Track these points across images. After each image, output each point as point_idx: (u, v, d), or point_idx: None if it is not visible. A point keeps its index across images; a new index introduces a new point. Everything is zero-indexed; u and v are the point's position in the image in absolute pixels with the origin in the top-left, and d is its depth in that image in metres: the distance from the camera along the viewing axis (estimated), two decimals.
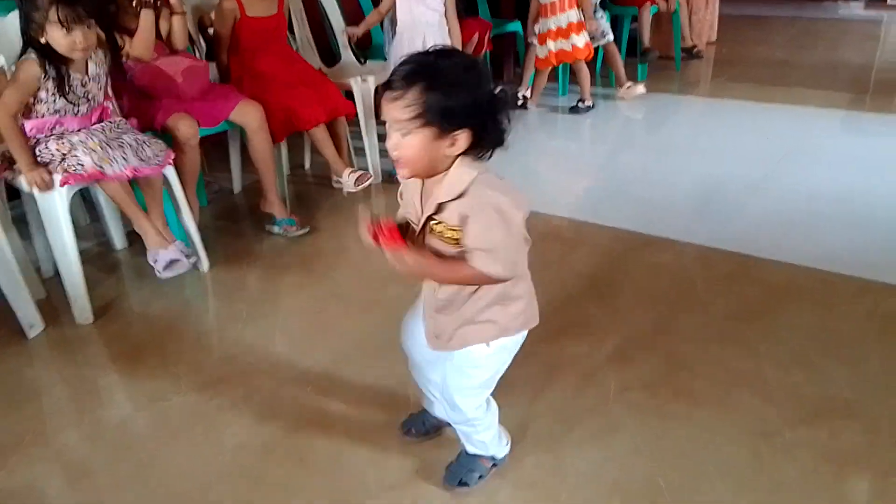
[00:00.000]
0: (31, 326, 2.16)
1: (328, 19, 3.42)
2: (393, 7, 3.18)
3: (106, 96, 2.30)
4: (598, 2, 4.51)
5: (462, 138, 1.19)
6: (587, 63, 4.21)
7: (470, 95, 1.18)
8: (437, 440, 1.69)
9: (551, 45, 4.07)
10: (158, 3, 2.50)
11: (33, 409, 1.90)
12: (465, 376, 1.42)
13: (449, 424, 1.68)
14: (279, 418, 1.81)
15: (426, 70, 1.17)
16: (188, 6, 2.91)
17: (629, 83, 4.50)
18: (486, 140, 1.22)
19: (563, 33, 4.03)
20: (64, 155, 2.13)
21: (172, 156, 2.36)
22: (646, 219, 2.85)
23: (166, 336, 2.20)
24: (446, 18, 3.19)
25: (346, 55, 3.49)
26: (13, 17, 2.24)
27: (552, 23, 4.02)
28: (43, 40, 2.08)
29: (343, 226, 2.93)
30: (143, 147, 2.25)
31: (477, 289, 1.32)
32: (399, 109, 1.17)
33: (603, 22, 4.43)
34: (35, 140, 2.17)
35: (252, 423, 1.80)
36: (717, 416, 1.76)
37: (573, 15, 4.01)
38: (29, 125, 2.16)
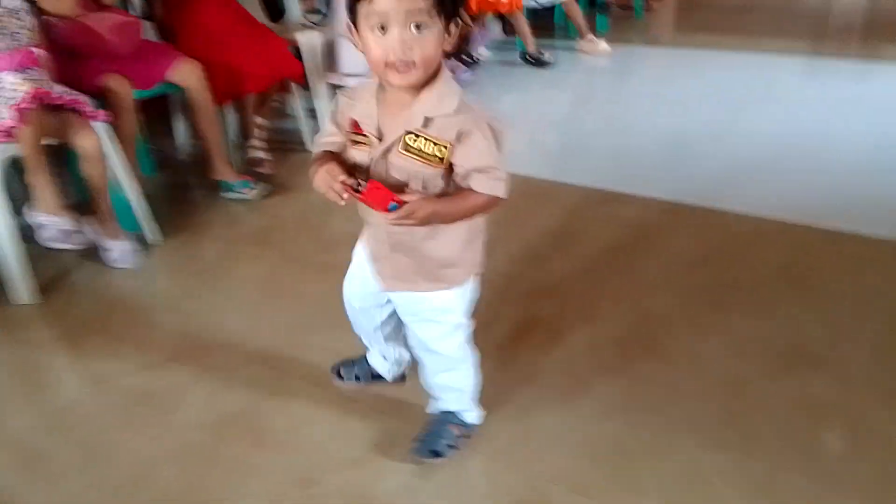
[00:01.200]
0: None
1: None
2: None
3: (33, 43, 2.11)
4: None
5: (454, 32, 1.10)
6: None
7: None
8: (401, 412, 1.62)
9: None
10: None
11: None
12: (438, 324, 1.36)
13: (382, 378, 1.63)
14: (234, 395, 1.72)
15: None
16: None
17: (591, 36, 4.39)
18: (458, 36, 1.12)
19: None
20: None
21: (104, 114, 2.19)
22: (609, 174, 2.78)
23: (113, 314, 2.07)
24: None
25: (292, 9, 3.31)
26: None
27: None
28: None
29: (296, 190, 2.80)
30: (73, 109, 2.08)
31: (442, 228, 1.22)
32: None
33: None
34: None
35: (205, 401, 1.71)
36: (687, 372, 1.72)
37: None
38: None
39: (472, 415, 1.53)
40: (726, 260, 2.18)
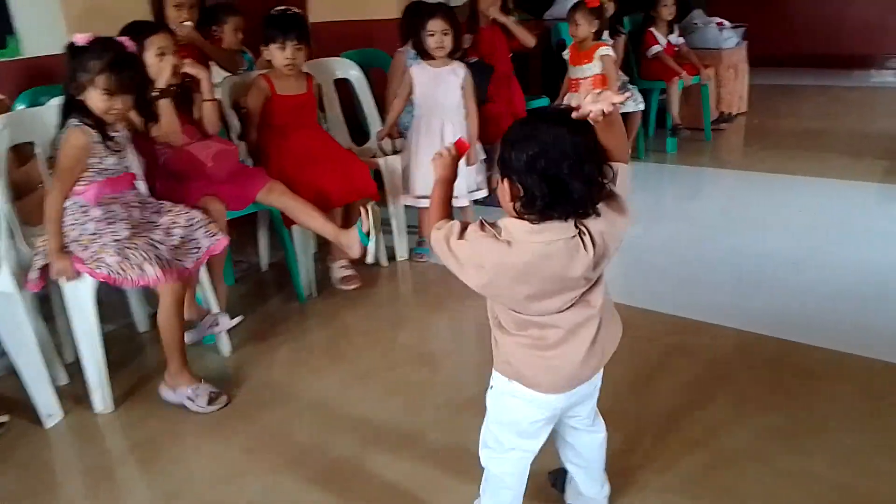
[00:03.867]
0: (49, 416, 2.13)
1: (359, 98, 3.47)
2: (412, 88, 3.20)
3: (134, 167, 2.32)
4: (627, 79, 4.54)
5: (505, 186, 1.30)
6: None
7: (516, 149, 1.28)
8: None
9: None
10: (177, 90, 2.51)
11: (48, 501, 1.85)
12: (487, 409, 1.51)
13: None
14: None
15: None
16: (225, 87, 2.98)
17: None
18: (532, 199, 1.27)
19: None
20: (94, 251, 2.12)
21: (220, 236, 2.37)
22: (679, 300, 2.76)
23: (186, 425, 2.14)
24: (464, 100, 3.18)
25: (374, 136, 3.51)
26: (48, 106, 2.30)
27: (574, 100, 4.05)
28: (80, 97, 2.11)
29: (367, 304, 2.89)
30: (190, 237, 2.26)
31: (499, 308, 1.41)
32: None
33: (635, 90, 4.47)
34: (76, 220, 2.16)
35: None
36: None
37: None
38: (82, 198, 2.16)
39: None
40: (804, 398, 2.10)
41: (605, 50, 3.96)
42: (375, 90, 3.52)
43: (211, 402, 2.21)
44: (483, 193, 3.38)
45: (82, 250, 2.12)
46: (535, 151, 1.27)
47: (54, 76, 2.90)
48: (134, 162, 2.31)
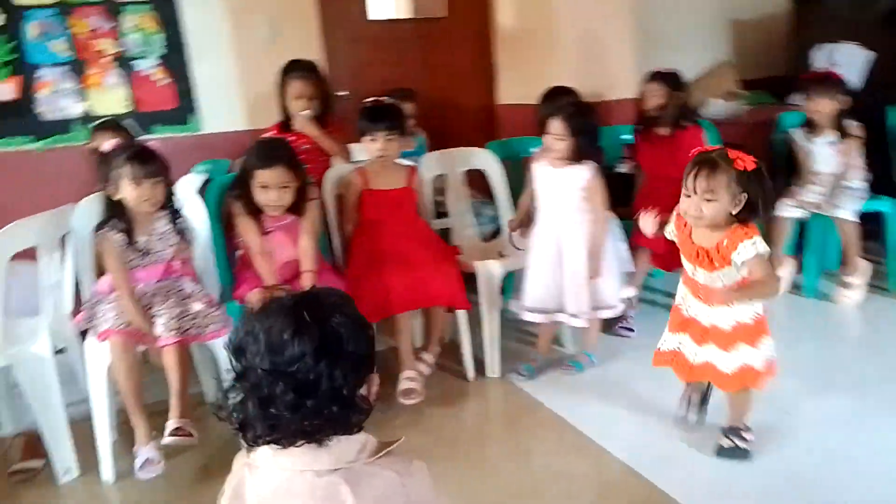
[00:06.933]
0: (65, 473, 2.30)
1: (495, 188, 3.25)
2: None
3: (176, 257, 2.47)
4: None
5: None
6: None
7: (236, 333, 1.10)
8: None
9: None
10: None
11: None
12: None
13: None
14: None
15: None
16: (328, 182, 2.96)
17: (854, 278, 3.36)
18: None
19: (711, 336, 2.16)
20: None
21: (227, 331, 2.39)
22: None
23: None
24: (589, 204, 2.78)
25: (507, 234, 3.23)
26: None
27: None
28: (117, 197, 2.34)
29: (433, 425, 2.60)
30: (200, 317, 2.34)
31: None
32: None
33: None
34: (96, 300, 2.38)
35: None
36: None
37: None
38: (104, 282, 2.39)
39: None
40: None
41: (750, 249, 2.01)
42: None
43: (142, 468, 2.24)
44: (609, 313, 2.89)
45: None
46: (237, 345, 1.02)
47: (226, 151, 3.25)
48: (166, 254, 2.44)
